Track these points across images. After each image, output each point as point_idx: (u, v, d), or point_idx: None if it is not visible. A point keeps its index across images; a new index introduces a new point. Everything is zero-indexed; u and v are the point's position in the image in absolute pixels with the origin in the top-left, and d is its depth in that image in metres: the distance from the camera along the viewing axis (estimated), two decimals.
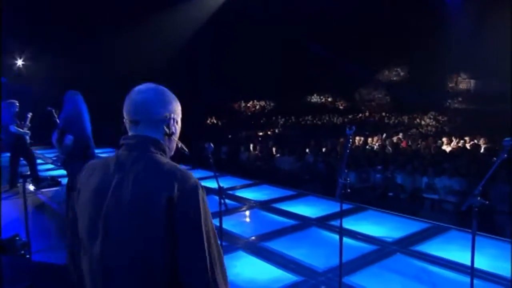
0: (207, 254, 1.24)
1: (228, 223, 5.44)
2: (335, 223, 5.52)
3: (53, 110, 9.29)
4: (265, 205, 6.51)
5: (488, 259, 4.30)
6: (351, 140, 2.38)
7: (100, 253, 1.26)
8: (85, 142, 4.43)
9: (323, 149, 11.47)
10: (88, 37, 15.92)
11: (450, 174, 7.93)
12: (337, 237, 5.06)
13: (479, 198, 2.47)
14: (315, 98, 27.15)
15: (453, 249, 4.59)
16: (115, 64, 16.73)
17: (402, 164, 8.94)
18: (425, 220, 5.61)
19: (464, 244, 4.71)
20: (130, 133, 1.37)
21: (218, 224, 3.51)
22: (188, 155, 1.43)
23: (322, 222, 5.55)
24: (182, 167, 1.30)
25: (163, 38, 17.66)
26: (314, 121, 21.73)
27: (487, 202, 2.45)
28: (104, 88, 16.64)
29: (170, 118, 1.37)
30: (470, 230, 5.16)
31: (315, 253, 4.53)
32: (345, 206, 6.41)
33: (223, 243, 4.79)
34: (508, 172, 6.81)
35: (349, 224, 5.46)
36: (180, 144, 1.44)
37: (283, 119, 22.24)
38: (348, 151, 2.40)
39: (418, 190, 8.28)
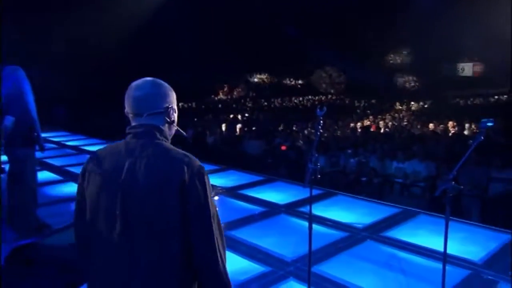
0: (214, 234, 1.43)
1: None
2: (304, 209, 5.47)
3: None
4: (232, 192, 6.38)
5: (457, 243, 4.36)
6: (322, 122, 2.25)
7: (120, 233, 1.40)
8: (28, 124, 4.04)
9: (292, 133, 11.41)
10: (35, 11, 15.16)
11: (419, 159, 8.06)
12: (306, 224, 5.03)
13: (453, 183, 2.42)
14: (288, 81, 27.19)
15: (423, 234, 4.64)
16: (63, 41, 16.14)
17: (372, 148, 9.03)
18: (395, 205, 5.65)
19: (433, 229, 4.78)
20: (134, 123, 1.52)
21: None
22: (186, 137, 1.68)
23: (291, 208, 5.49)
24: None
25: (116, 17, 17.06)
26: (284, 104, 21.73)
27: (462, 187, 2.39)
28: (49, 66, 16.04)
29: (169, 108, 1.54)
30: (438, 215, 5.29)
31: (284, 241, 4.46)
32: (314, 192, 6.33)
33: None
34: (476, 154, 6.99)
35: (318, 210, 5.42)
36: (178, 129, 1.61)
37: (251, 102, 22.12)
38: (319, 133, 2.27)
39: (388, 175, 8.40)
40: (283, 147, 10.06)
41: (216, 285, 1.47)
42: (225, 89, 26.51)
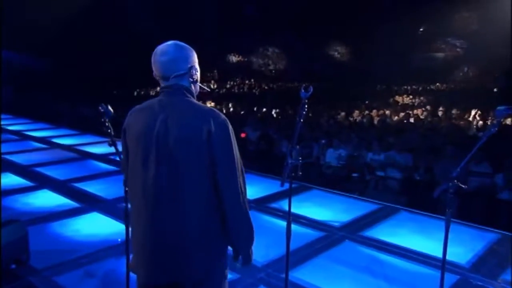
0: (237, 176, 1.73)
1: None
2: (276, 205, 5.20)
3: None
4: None
5: (440, 244, 4.20)
6: (306, 107, 1.93)
7: (155, 174, 1.68)
8: None
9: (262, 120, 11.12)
10: None
11: (396, 150, 7.95)
12: (279, 222, 4.78)
13: (455, 181, 2.17)
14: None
15: (404, 233, 4.46)
16: None
17: (347, 139, 8.86)
18: (374, 200, 5.47)
19: (414, 227, 4.63)
20: (163, 84, 1.80)
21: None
22: (209, 91, 2.29)
23: (261, 204, 5.19)
24: None
25: None
26: (254, 90, 21.37)
27: (465, 187, 2.16)
28: None
29: (192, 68, 1.80)
30: (420, 212, 5.15)
31: (260, 241, 4.15)
32: (287, 185, 6.18)
33: None
34: (455, 147, 6.93)
35: (292, 206, 5.16)
36: (201, 86, 1.90)
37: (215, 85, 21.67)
38: (302, 120, 1.95)
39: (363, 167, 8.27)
40: (243, 135, 9.77)
41: (239, 222, 1.78)
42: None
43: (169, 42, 1.81)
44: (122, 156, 1.92)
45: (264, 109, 13.04)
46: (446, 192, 2.23)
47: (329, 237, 4.32)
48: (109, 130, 2.40)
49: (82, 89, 19.04)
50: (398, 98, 18.32)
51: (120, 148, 2.01)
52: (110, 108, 2.35)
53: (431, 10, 20.41)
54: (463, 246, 4.12)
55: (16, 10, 16.21)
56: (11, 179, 6.12)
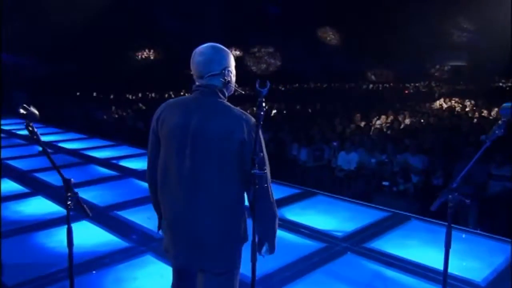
0: (268, 174, 1.91)
1: (140, 217, 4.66)
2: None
3: None
4: None
5: (454, 257, 3.80)
6: (264, 103, 1.61)
7: (191, 165, 1.85)
8: None
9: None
10: None
11: (412, 152, 7.51)
12: (279, 232, 4.45)
13: (456, 193, 1.82)
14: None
15: (414, 244, 4.07)
16: None
17: (360, 141, 8.46)
18: (382, 207, 5.08)
19: (426, 238, 4.23)
20: (198, 82, 1.95)
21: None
22: (243, 93, 2.59)
23: None
24: None
25: None
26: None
27: (468, 201, 1.80)
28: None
29: (225, 70, 1.92)
30: (434, 220, 4.74)
31: (245, 255, 3.84)
32: (292, 191, 5.85)
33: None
34: (475, 149, 6.45)
35: (293, 214, 4.85)
36: (235, 87, 2.02)
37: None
38: (262, 113, 1.61)
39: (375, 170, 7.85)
40: None
41: (268, 215, 1.95)
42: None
43: (208, 44, 1.95)
44: (150, 145, 2.02)
45: (275, 111, 12.72)
46: (447, 205, 1.86)
47: (330, 248, 3.97)
48: (35, 137, 2.04)
49: (98, 93, 19.15)
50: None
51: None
52: (34, 110, 2.04)
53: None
54: (480, 261, 3.71)
55: (35, 15, 16.40)
56: (8, 185, 5.97)
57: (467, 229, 4.60)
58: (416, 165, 7.31)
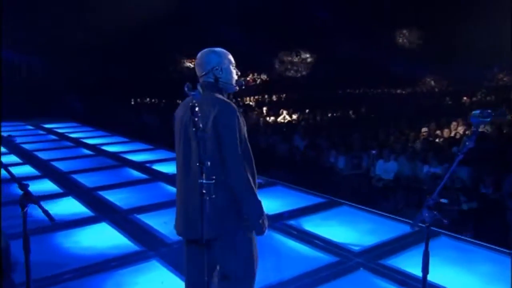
0: (239, 156, 2.08)
1: (157, 221, 4.68)
2: (294, 223, 4.70)
3: None
4: None
5: (481, 280, 3.46)
6: (197, 109, 1.51)
7: (183, 151, 2.18)
8: None
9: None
10: None
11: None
12: (291, 242, 4.29)
13: (435, 212, 1.61)
14: None
15: (438, 263, 3.73)
16: None
17: (401, 149, 8.05)
18: (409, 221, 4.72)
19: (453, 256, 3.88)
20: (200, 80, 2.25)
21: None
22: (243, 87, 2.34)
23: (278, 221, 4.71)
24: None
25: None
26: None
27: (446, 221, 1.59)
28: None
29: (214, 69, 2.21)
30: (463, 237, 4.36)
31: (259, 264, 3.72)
32: (315, 200, 5.64)
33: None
34: None
35: (313, 224, 4.65)
36: (232, 84, 2.28)
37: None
38: (196, 120, 1.53)
39: (416, 181, 7.42)
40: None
41: (242, 196, 2.09)
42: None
43: (207, 49, 2.27)
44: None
45: (318, 117, 12.46)
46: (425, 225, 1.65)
47: (342, 263, 3.74)
48: None
49: (148, 98, 19.79)
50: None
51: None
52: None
53: None
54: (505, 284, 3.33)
55: (90, 23, 17.29)
56: (46, 186, 6.27)
57: (501, 249, 4.15)
58: (461, 176, 6.83)
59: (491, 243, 4.11)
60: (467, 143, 1.47)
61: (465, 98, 21.69)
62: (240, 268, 2.18)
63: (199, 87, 2.04)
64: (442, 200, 6.03)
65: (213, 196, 1.88)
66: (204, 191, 1.77)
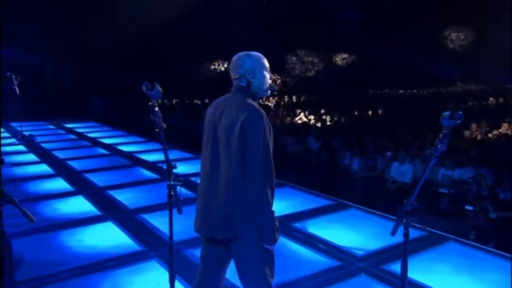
0: (262, 163, 2.07)
1: (162, 221, 4.68)
2: (299, 225, 4.62)
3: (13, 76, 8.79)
4: None
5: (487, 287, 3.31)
6: (156, 108, 1.45)
7: (211, 151, 2.20)
8: None
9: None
10: None
11: (476, 165, 6.79)
12: (293, 245, 4.22)
13: (414, 218, 1.53)
14: None
15: (444, 270, 3.61)
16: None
17: (416, 151, 7.83)
18: (418, 225, 4.58)
19: (461, 263, 3.75)
20: (233, 83, 2.27)
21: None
22: (275, 92, 2.44)
23: (283, 222, 4.63)
24: None
25: None
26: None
27: (424, 227, 1.50)
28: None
29: (247, 74, 2.23)
30: (473, 243, 4.19)
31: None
32: (323, 202, 5.55)
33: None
34: None
35: (317, 227, 4.56)
36: (264, 88, 2.29)
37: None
38: (158, 120, 1.44)
39: (432, 184, 7.20)
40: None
41: (256, 204, 2.08)
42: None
43: (242, 52, 2.30)
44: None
45: (335, 117, 12.29)
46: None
47: (344, 268, 3.65)
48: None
49: (170, 99, 19.94)
50: None
51: None
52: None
53: None
54: None
55: (116, 26, 17.58)
56: (59, 184, 6.37)
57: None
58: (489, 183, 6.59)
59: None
60: (439, 146, 1.38)
61: (491, 99, 21.08)
62: (254, 271, 2.18)
63: (232, 89, 2.24)
64: (467, 207, 5.81)
65: (234, 198, 2.04)
66: (227, 192, 2.03)
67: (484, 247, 4.05)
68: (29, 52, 16.27)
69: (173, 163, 2.11)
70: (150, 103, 1.54)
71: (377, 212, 5.05)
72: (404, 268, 1.74)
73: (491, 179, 6.58)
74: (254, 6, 22.07)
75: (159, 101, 1.92)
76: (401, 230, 1.96)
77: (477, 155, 7.36)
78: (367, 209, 5.15)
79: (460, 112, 1.42)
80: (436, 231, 4.43)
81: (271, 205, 2.10)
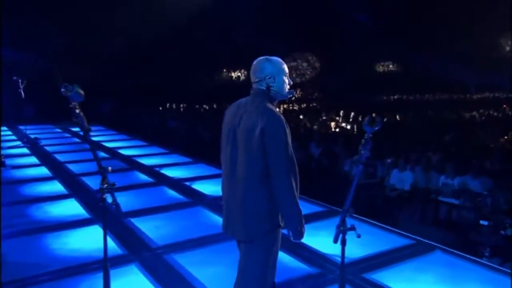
0: (286, 165, 2.20)
1: (149, 225, 4.68)
2: (284, 231, 4.56)
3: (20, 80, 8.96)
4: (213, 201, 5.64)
5: None
6: (78, 112, 1.44)
7: (230, 152, 2.31)
8: None
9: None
10: None
11: (474, 174, 6.68)
12: None
13: (349, 226, 1.52)
14: None
15: (426, 280, 3.54)
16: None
17: (417, 159, 7.73)
18: (408, 234, 4.52)
19: (444, 273, 3.68)
20: (253, 87, 2.37)
21: None
22: (292, 96, 2.59)
23: None
24: None
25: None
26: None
27: (359, 236, 1.49)
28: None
29: (267, 77, 2.33)
30: (460, 253, 4.10)
31: (231, 274, 3.63)
32: (313, 209, 5.50)
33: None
34: None
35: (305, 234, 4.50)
36: (288, 92, 2.42)
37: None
38: (80, 121, 1.44)
39: (431, 192, 7.11)
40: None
41: (283, 203, 2.23)
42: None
43: (262, 57, 2.39)
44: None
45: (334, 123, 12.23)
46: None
47: (322, 276, 3.61)
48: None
49: (178, 105, 20.08)
50: None
51: None
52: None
53: None
54: None
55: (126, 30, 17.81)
56: (54, 187, 6.44)
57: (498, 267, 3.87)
58: (475, 189, 6.49)
59: None
60: (362, 152, 1.36)
61: (504, 106, 20.77)
62: (253, 271, 2.34)
63: (252, 92, 2.35)
64: (482, 222, 5.55)
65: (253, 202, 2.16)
66: (245, 193, 2.19)
67: (471, 257, 3.96)
68: (40, 56, 16.59)
69: (105, 167, 2.13)
70: (70, 105, 1.55)
71: (368, 219, 4.98)
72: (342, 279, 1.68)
73: (487, 189, 6.46)
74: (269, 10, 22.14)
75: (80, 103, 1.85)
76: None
77: (475, 164, 7.20)
78: (359, 216, 5.07)
79: (379, 118, 1.41)
80: (423, 239, 4.36)
81: (298, 203, 2.25)
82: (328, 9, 23.13)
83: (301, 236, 2.33)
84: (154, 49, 19.81)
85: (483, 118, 15.70)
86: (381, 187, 7.79)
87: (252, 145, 2.19)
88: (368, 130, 1.57)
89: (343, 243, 1.70)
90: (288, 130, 2.23)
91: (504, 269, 3.70)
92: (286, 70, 2.39)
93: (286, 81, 2.38)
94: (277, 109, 2.31)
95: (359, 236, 1.58)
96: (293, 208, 2.24)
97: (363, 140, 1.43)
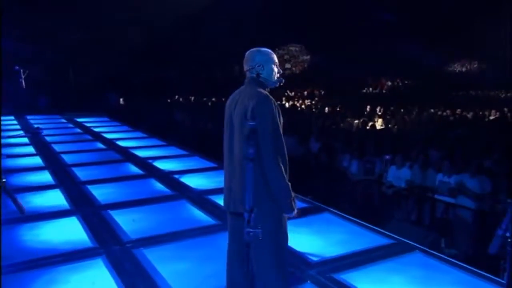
0: (273, 142, 2.38)
1: (127, 218, 4.61)
2: None
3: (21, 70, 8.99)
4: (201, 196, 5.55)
5: None
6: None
7: (229, 136, 2.55)
8: None
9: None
10: None
11: (472, 172, 6.45)
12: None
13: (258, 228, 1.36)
14: None
15: (397, 282, 3.38)
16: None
17: (415, 156, 7.51)
18: (390, 234, 4.35)
19: (418, 275, 3.52)
20: (246, 75, 2.60)
21: None
22: (281, 83, 2.66)
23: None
24: None
25: None
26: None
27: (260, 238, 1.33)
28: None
29: (257, 66, 2.55)
30: (441, 254, 3.92)
31: (201, 270, 3.54)
32: (299, 205, 5.34)
33: None
34: None
35: None
36: (277, 79, 2.63)
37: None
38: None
39: (427, 190, 6.90)
40: None
41: (272, 177, 2.38)
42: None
43: (254, 48, 2.61)
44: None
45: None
46: None
47: (291, 275, 3.46)
48: None
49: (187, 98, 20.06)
50: None
51: None
52: None
53: None
54: None
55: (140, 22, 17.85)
56: (43, 177, 6.43)
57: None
58: (473, 188, 6.27)
59: None
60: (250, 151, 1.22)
61: None
62: (266, 237, 2.27)
63: (245, 81, 2.56)
64: (499, 231, 5.31)
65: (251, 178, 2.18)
66: (242, 171, 2.35)
67: (451, 259, 3.77)
68: (54, 49, 16.78)
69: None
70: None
71: (351, 217, 4.81)
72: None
73: (485, 189, 6.26)
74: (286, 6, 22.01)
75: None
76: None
77: (473, 162, 6.94)
78: (342, 214, 4.93)
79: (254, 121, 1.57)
80: (405, 240, 4.19)
81: (285, 178, 2.39)
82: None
83: (292, 209, 2.44)
84: (168, 43, 19.81)
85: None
86: (379, 184, 7.61)
87: (245, 126, 2.31)
88: (250, 126, 1.77)
89: (247, 246, 1.53)
90: (276, 111, 2.40)
91: (481, 272, 3.51)
92: (276, 59, 2.59)
93: (275, 69, 2.58)
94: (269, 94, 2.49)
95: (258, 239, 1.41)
96: (279, 182, 2.37)
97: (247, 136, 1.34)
